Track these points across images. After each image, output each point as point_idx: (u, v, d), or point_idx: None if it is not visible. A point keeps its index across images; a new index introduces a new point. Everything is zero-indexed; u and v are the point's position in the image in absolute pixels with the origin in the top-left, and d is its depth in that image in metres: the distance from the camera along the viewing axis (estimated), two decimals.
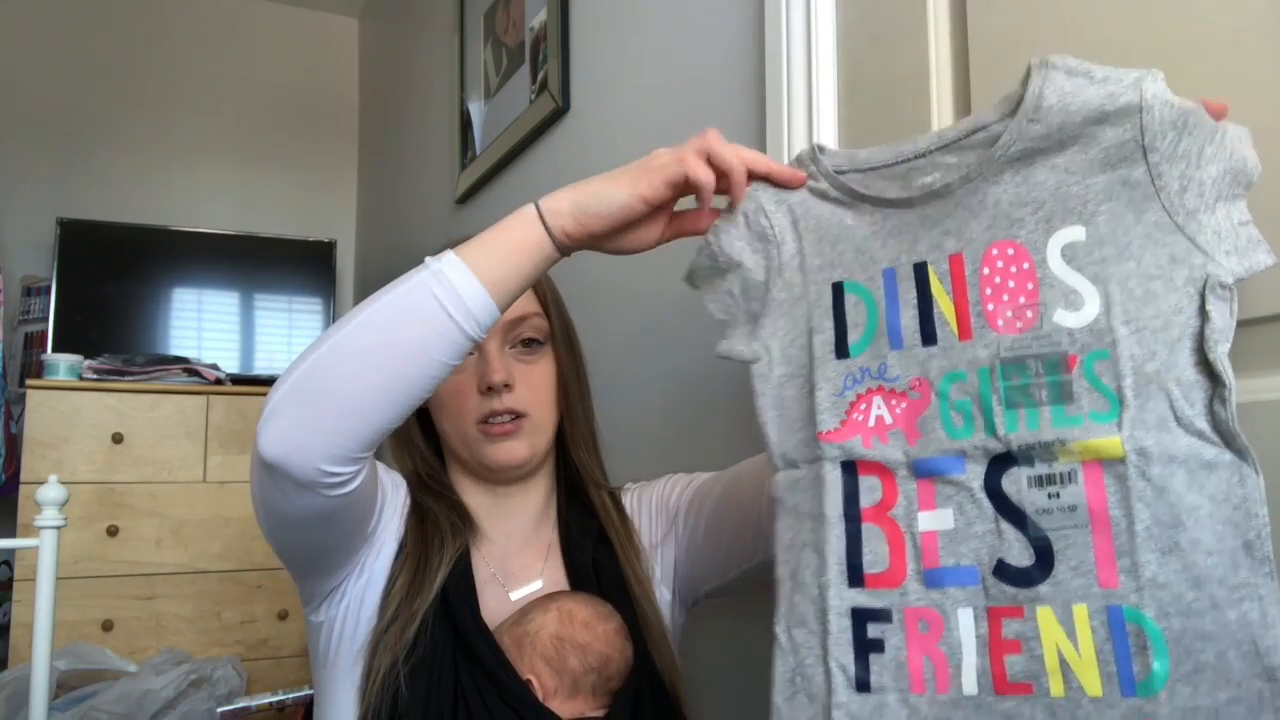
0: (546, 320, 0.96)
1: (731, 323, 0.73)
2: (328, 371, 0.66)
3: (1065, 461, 0.58)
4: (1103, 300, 0.58)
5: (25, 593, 2.19)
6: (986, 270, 0.62)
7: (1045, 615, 0.58)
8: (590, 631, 0.85)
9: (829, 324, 0.68)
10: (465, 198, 2.20)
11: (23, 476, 2.28)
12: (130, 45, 3.17)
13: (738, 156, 0.71)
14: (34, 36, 3.04)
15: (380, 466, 0.92)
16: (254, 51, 3.35)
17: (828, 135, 0.98)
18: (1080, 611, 0.57)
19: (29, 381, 2.42)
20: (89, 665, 1.97)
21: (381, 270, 3.10)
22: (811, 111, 0.99)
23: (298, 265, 3.07)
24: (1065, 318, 0.59)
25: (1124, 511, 0.56)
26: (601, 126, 1.56)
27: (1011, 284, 0.61)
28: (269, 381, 3.21)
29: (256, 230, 3.09)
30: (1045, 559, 0.58)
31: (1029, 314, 0.61)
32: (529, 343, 0.94)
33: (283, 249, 3.06)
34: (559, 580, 0.95)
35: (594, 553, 0.95)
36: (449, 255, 0.68)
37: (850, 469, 0.65)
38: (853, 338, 0.67)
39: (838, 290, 0.68)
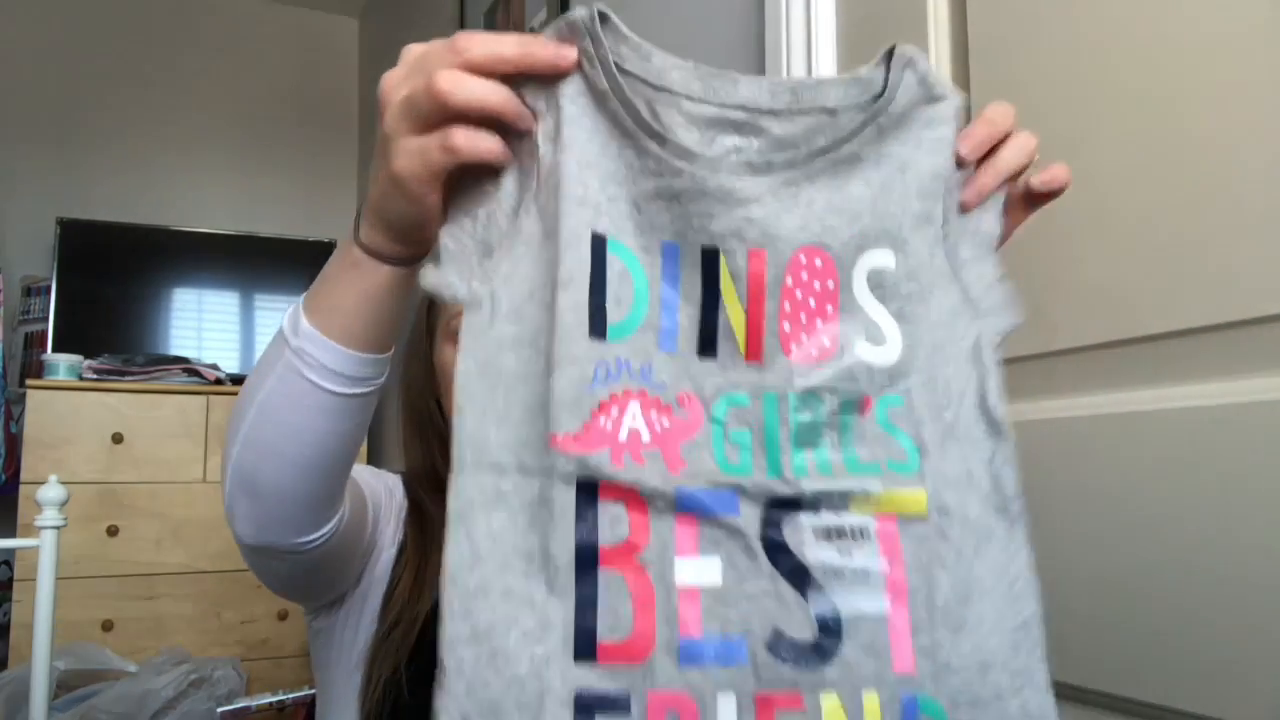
0: None
1: (455, 251, 0.50)
2: (253, 471, 0.63)
3: (858, 513, 0.49)
4: (904, 341, 0.51)
5: (25, 593, 2.19)
6: (790, 280, 0.50)
7: (830, 705, 0.46)
8: None
9: (584, 283, 0.48)
10: None
11: (23, 476, 2.28)
12: (130, 45, 3.17)
13: (473, 87, 0.47)
14: (34, 36, 3.04)
15: (367, 471, 0.91)
16: (254, 51, 3.35)
17: None
18: (871, 702, 0.47)
19: (29, 381, 2.42)
20: (89, 665, 1.98)
21: None
22: None
23: (298, 265, 3.06)
24: (866, 352, 0.51)
25: (924, 579, 0.48)
26: None
27: (813, 302, 0.51)
28: None
29: (256, 230, 3.09)
30: (832, 633, 0.47)
31: (827, 341, 0.50)
32: None
33: (283, 249, 3.06)
34: None
35: None
36: (302, 323, 0.59)
37: (589, 491, 0.47)
38: (614, 316, 0.49)
39: (599, 244, 0.49)
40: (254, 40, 3.35)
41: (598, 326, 0.48)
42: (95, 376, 2.44)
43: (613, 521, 0.47)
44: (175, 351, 2.77)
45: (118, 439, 2.38)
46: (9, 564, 2.49)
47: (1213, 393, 0.61)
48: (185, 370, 2.56)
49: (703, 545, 0.48)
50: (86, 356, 2.47)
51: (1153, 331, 0.65)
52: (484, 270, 0.49)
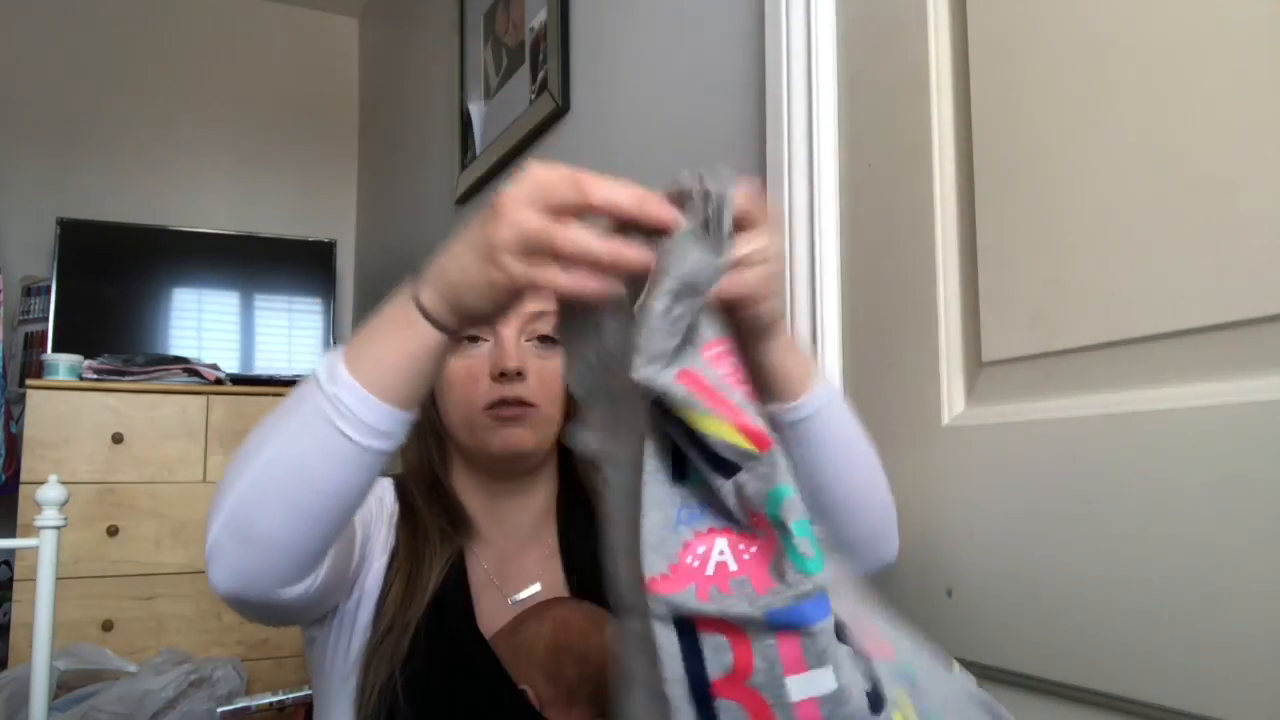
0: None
1: (589, 399, 0.56)
2: (253, 515, 0.63)
3: None
4: None
5: (25, 593, 2.19)
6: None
7: None
8: (586, 640, 0.85)
9: (656, 430, 0.52)
10: (465, 198, 2.20)
11: (23, 476, 2.27)
12: (130, 45, 3.17)
13: (595, 250, 0.53)
14: (34, 37, 3.04)
15: None
16: (254, 51, 3.35)
17: (828, 135, 0.98)
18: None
19: (29, 381, 2.42)
20: (89, 665, 1.98)
21: (381, 270, 3.10)
22: (811, 111, 0.99)
23: (298, 265, 3.06)
24: None
25: None
26: (601, 126, 1.56)
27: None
28: (269, 382, 3.22)
29: (256, 230, 3.09)
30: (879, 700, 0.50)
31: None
32: (546, 340, 0.92)
33: (283, 249, 3.06)
34: (557, 583, 0.94)
35: (595, 557, 0.94)
36: (340, 371, 0.61)
37: (686, 628, 0.48)
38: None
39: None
40: (254, 40, 3.35)
41: (679, 469, 0.51)
42: (95, 376, 2.43)
43: (717, 650, 0.48)
44: (175, 351, 2.77)
45: (118, 439, 2.38)
46: (9, 564, 2.49)
47: (1213, 393, 0.61)
48: (185, 370, 2.56)
49: (809, 658, 0.48)
50: (86, 356, 2.47)
51: (1153, 331, 0.65)
52: (613, 422, 0.55)
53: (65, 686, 1.87)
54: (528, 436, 0.91)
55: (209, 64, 3.27)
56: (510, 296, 0.57)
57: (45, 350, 2.63)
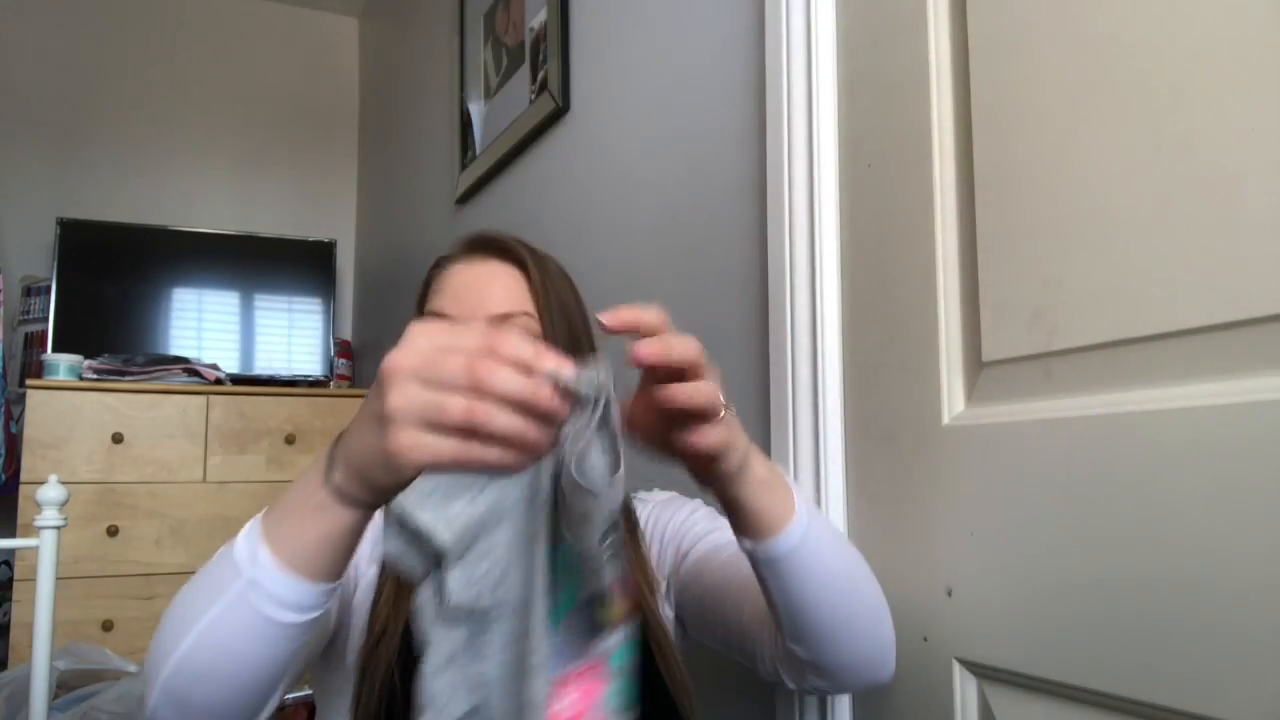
0: (539, 321, 0.92)
1: (458, 552, 0.59)
2: (189, 692, 0.62)
3: None
4: None
5: (25, 593, 2.19)
6: None
7: None
8: None
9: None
10: (465, 198, 2.20)
11: (23, 476, 2.28)
12: (130, 45, 3.17)
13: (506, 420, 0.50)
14: (34, 37, 3.04)
15: None
16: (254, 51, 3.35)
17: (828, 135, 0.98)
18: None
19: (29, 381, 2.42)
20: (89, 665, 1.97)
21: (381, 270, 3.10)
22: (811, 111, 0.99)
23: (298, 265, 3.06)
24: None
25: None
26: (601, 126, 1.56)
27: None
28: (269, 382, 3.21)
29: (256, 230, 3.09)
30: None
31: None
32: None
33: (283, 249, 3.06)
34: None
35: None
36: (261, 554, 0.60)
37: None
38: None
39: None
40: (254, 40, 3.35)
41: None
42: (95, 376, 2.44)
43: None
44: (175, 351, 2.77)
45: (118, 439, 2.38)
46: (9, 564, 2.49)
47: (1213, 393, 0.61)
48: (185, 370, 2.56)
49: None
50: (86, 356, 2.47)
51: (1153, 331, 0.65)
52: (495, 579, 0.57)
53: (65, 686, 1.86)
54: None
55: (209, 64, 3.27)
56: (418, 471, 0.53)
57: (45, 350, 2.63)
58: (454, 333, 0.52)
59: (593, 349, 0.98)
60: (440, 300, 0.92)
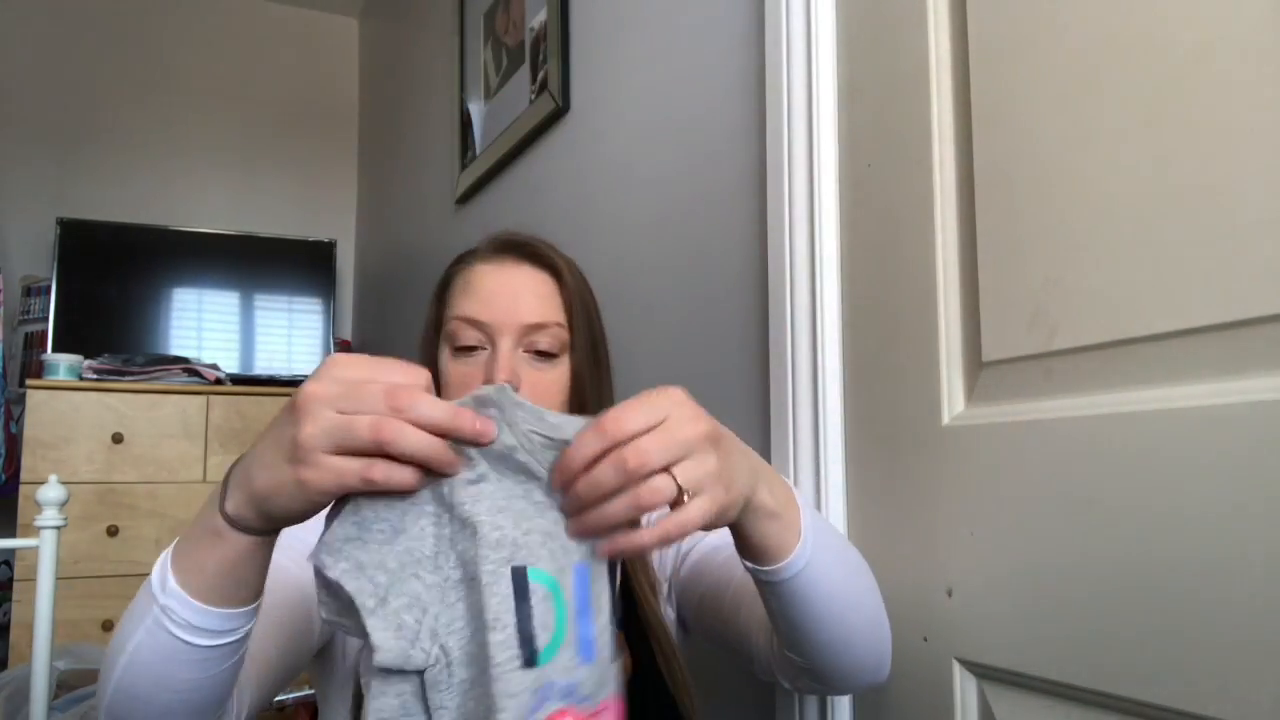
0: (569, 331, 0.92)
1: (373, 605, 0.54)
2: (127, 715, 0.63)
3: None
4: None
5: (25, 593, 2.19)
6: None
7: None
8: None
9: (511, 621, 0.54)
10: (465, 198, 2.20)
11: (23, 476, 2.28)
12: (130, 45, 3.17)
13: (416, 441, 0.51)
14: (34, 37, 3.04)
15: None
16: (254, 51, 3.35)
17: (828, 135, 0.98)
18: None
19: (29, 381, 2.42)
20: (89, 665, 1.97)
21: (381, 270, 3.10)
22: (811, 111, 0.99)
23: (298, 265, 3.07)
24: None
25: None
26: (601, 126, 1.56)
27: None
28: (269, 382, 3.22)
29: (256, 230, 3.09)
30: None
31: None
32: (542, 354, 0.90)
33: (283, 249, 3.06)
34: None
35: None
36: (169, 581, 0.60)
37: None
38: (541, 641, 0.54)
39: (520, 576, 0.55)
40: (254, 40, 3.36)
41: (529, 657, 0.54)
42: (95, 376, 2.44)
43: None
44: (175, 351, 2.77)
45: (118, 439, 2.38)
46: (9, 564, 2.49)
47: (1213, 393, 0.61)
48: (185, 370, 2.56)
49: None
50: (86, 356, 2.47)
51: (1153, 331, 0.65)
52: (429, 628, 0.55)
53: (65, 686, 1.86)
54: None
55: (209, 64, 3.27)
56: (328, 499, 0.53)
57: (45, 350, 2.64)
58: (374, 366, 0.53)
59: (608, 354, 0.98)
60: (469, 304, 0.90)
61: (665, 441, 0.55)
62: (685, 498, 0.55)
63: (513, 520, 0.55)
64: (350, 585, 0.53)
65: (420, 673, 0.54)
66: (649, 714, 0.85)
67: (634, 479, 0.54)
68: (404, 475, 0.52)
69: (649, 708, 0.86)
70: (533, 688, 0.53)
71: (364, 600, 0.53)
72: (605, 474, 0.54)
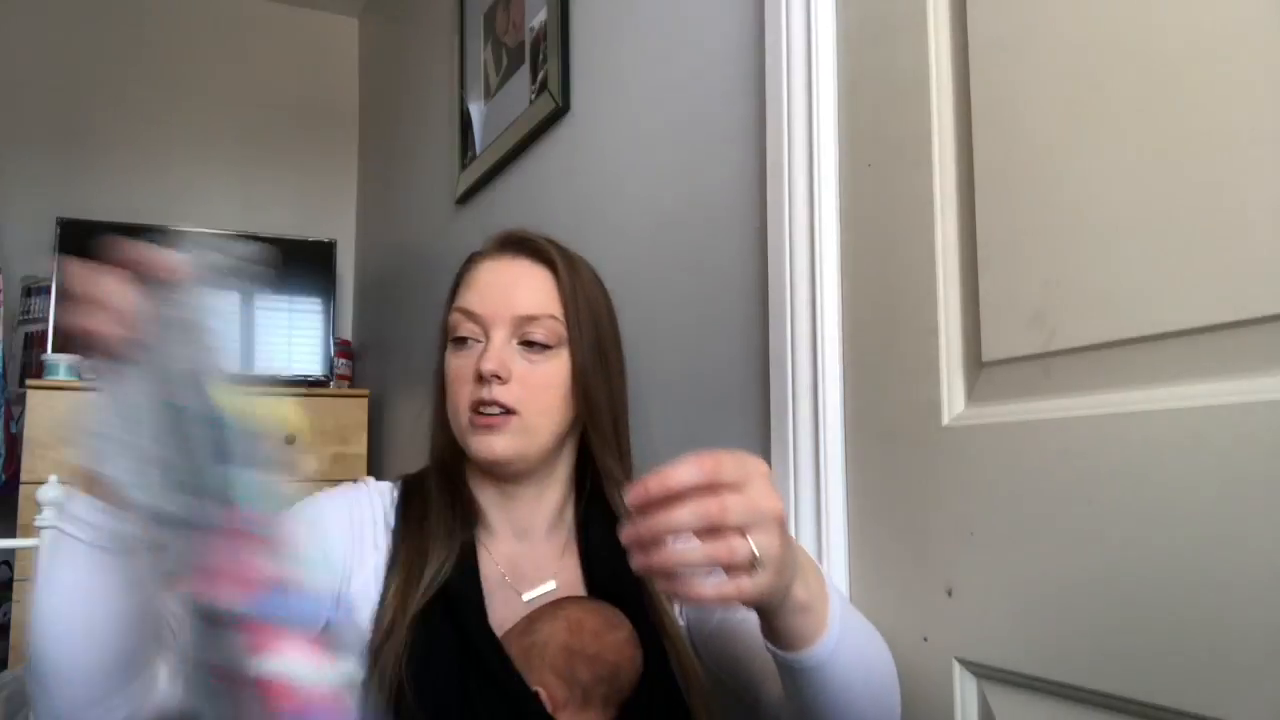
0: (565, 325, 0.92)
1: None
2: (42, 651, 0.64)
3: None
4: None
5: (25, 593, 2.19)
6: None
7: None
8: (600, 641, 0.84)
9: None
10: (465, 198, 2.20)
11: (23, 476, 2.28)
12: (130, 46, 3.17)
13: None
14: (34, 37, 3.04)
15: (339, 492, 0.93)
16: (254, 51, 3.35)
17: (828, 135, 0.98)
18: None
19: (29, 381, 2.42)
20: None
21: (381, 270, 3.10)
22: (811, 111, 0.99)
23: (298, 265, 3.06)
24: None
25: None
26: (601, 126, 1.56)
27: None
28: (269, 382, 3.20)
29: (256, 230, 3.09)
30: None
31: None
32: (534, 345, 0.91)
33: (283, 249, 3.06)
34: (574, 581, 0.93)
35: (612, 557, 0.94)
36: (76, 498, 0.64)
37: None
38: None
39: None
40: (254, 40, 3.35)
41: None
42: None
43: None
44: None
45: None
46: (9, 564, 2.49)
47: (1213, 393, 0.61)
48: None
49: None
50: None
51: (1153, 331, 0.65)
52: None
53: None
54: (505, 444, 0.90)
55: (209, 64, 3.27)
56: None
57: (45, 350, 2.63)
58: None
59: (619, 355, 0.98)
60: (467, 296, 0.93)
61: (747, 506, 0.56)
62: (756, 568, 0.56)
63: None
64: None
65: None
66: (658, 707, 0.85)
67: (708, 526, 0.55)
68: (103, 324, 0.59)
69: (658, 701, 0.86)
70: None
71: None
72: (684, 515, 0.55)
